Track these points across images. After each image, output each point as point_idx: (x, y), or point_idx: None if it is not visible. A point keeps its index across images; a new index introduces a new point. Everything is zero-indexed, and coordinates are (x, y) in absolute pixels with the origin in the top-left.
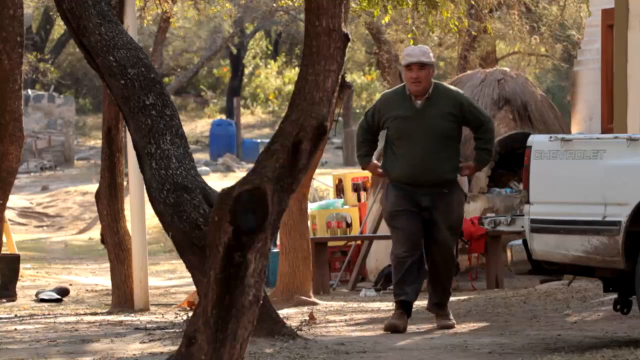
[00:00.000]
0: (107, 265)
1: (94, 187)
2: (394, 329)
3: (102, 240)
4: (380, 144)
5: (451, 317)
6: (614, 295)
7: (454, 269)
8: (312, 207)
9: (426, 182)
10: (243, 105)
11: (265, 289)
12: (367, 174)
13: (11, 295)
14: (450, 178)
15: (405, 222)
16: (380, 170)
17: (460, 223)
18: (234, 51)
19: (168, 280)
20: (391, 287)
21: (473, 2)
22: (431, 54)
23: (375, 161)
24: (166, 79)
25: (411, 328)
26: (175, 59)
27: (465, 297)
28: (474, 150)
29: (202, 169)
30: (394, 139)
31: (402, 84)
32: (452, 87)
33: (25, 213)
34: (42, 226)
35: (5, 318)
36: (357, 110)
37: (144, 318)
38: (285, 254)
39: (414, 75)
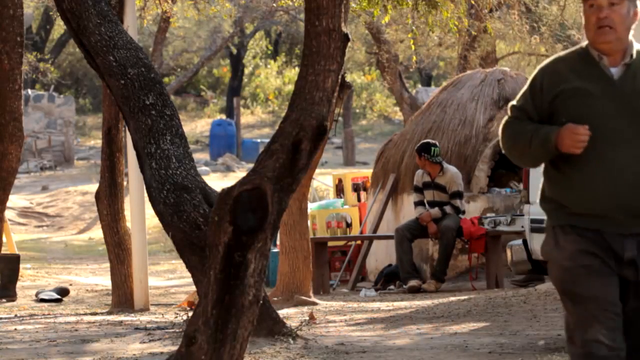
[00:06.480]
0: (107, 265)
1: (94, 187)
2: None
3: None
4: None
5: None
6: None
7: None
8: (312, 207)
9: (636, 214)
10: (243, 105)
11: (265, 289)
12: (367, 173)
13: (11, 295)
14: None
15: (599, 286)
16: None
17: None
18: (234, 51)
19: (168, 280)
20: (391, 287)
21: (473, 2)
22: None
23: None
24: (166, 79)
25: (411, 328)
26: (175, 59)
27: (465, 297)
28: None
29: (202, 169)
30: None
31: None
32: None
33: (25, 213)
34: (42, 226)
35: (5, 318)
36: (357, 110)
37: (144, 318)
38: (285, 254)
39: (603, 14)
